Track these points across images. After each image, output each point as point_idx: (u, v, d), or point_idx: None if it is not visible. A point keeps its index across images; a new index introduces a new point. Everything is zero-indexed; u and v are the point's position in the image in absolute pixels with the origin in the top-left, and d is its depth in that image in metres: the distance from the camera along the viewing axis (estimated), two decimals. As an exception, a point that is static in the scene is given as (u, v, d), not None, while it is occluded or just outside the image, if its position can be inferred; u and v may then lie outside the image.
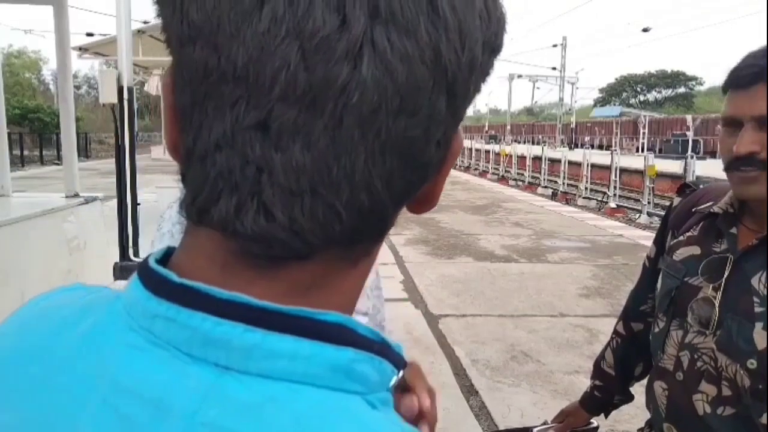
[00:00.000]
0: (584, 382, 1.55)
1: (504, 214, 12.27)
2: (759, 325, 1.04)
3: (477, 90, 0.33)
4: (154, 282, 0.32)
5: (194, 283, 0.30)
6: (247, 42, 0.27)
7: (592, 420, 1.52)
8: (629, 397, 1.48)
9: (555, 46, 45.44)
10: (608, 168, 17.63)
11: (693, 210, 1.23)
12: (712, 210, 1.17)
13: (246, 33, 0.27)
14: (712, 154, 32.51)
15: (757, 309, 1.05)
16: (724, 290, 1.10)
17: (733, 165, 1.05)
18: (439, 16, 0.28)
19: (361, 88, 0.27)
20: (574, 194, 17.18)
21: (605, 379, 1.46)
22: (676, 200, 1.31)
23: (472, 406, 3.69)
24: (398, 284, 6.45)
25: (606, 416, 1.53)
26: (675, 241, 1.24)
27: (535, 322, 5.18)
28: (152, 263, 0.33)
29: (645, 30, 45.31)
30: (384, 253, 7.83)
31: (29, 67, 50.31)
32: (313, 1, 0.27)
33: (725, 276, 1.10)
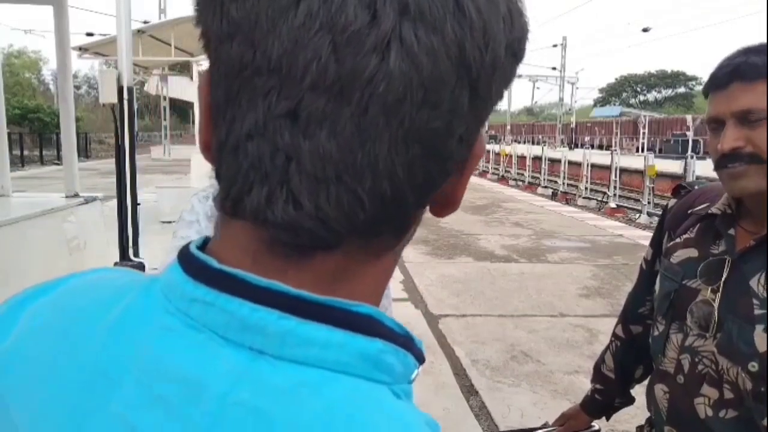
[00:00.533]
0: (584, 382, 1.55)
1: (504, 214, 12.27)
2: (759, 328, 1.04)
3: (499, 95, 0.34)
4: (194, 267, 0.33)
5: (233, 269, 0.32)
6: (283, 36, 0.29)
7: (593, 423, 1.52)
8: (630, 400, 1.48)
9: (555, 46, 45.42)
10: (608, 168, 17.63)
11: (689, 211, 1.23)
12: (709, 211, 1.17)
13: (282, 28, 0.29)
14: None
15: (757, 311, 1.04)
16: (723, 292, 1.10)
17: (720, 163, 1.07)
18: (465, 15, 0.30)
19: (388, 79, 0.29)
20: (574, 194, 17.18)
21: (605, 382, 1.46)
22: (672, 202, 1.32)
23: (472, 406, 3.69)
24: (398, 284, 6.44)
25: (607, 419, 1.52)
26: (672, 243, 1.24)
27: (535, 322, 5.18)
28: (193, 249, 0.34)
29: (645, 30, 45.29)
30: (384, 253, 7.83)
31: (29, 67, 50.29)
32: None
33: (723, 278, 1.10)
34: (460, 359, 4.40)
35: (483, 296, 6.06)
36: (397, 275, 6.82)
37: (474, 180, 21.99)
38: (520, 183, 22.01)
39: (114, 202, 4.25)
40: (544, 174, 20.99)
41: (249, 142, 0.31)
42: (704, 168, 14.58)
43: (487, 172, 27.25)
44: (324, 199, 0.30)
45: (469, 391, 3.90)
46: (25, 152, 28.43)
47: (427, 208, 0.37)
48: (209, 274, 0.32)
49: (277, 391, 0.30)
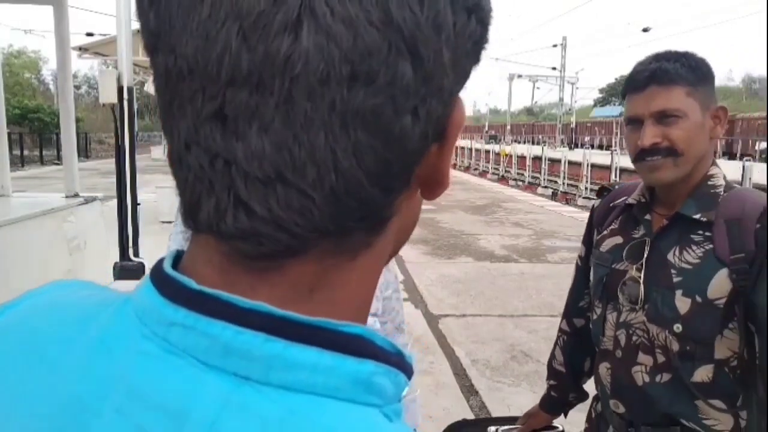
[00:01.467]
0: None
1: (504, 214, 12.28)
2: (679, 293, 1.20)
3: (464, 55, 0.31)
4: (170, 288, 0.31)
5: (215, 291, 0.29)
6: (194, 33, 0.27)
7: (556, 424, 1.60)
8: (583, 395, 1.58)
9: (555, 46, 45.42)
10: (608, 168, 17.63)
11: (611, 206, 1.41)
12: (627, 202, 1.35)
13: (192, 25, 0.27)
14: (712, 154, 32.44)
15: (675, 279, 1.21)
16: (646, 269, 1.26)
17: (639, 157, 1.23)
18: None
19: (305, 59, 0.26)
20: (574, 194, 17.17)
21: (558, 377, 1.58)
22: (597, 202, 1.48)
23: (472, 406, 3.69)
24: (398, 284, 6.44)
25: (565, 416, 1.61)
26: (600, 236, 1.40)
27: (535, 322, 5.18)
28: (168, 269, 0.32)
29: (645, 30, 45.28)
30: (384, 253, 7.83)
31: (29, 67, 50.27)
32: None
33: (645, 256, 1.27)
34: (460, 359, 4.40)
35: (483, 296, 6.06)
36: (397, 275, 6.81)
37: (474, 180, 22.00)
38: (520, 183, 22.01)
39: (114, 202, 4.26)
40: (544, 174, 21.00)
41: (188, 152, 0.29)
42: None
43: (487, 172, 27.24)
44: (274, 201, 0.28)
45: (469, 391, 3.90)
46: (25, 152, 28.43)
47: (418, 192, 0.34)
48: (187, 296, 0.30)
49: (265, 420, 0.28)
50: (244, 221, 0.28)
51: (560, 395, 1.58)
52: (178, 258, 0.34)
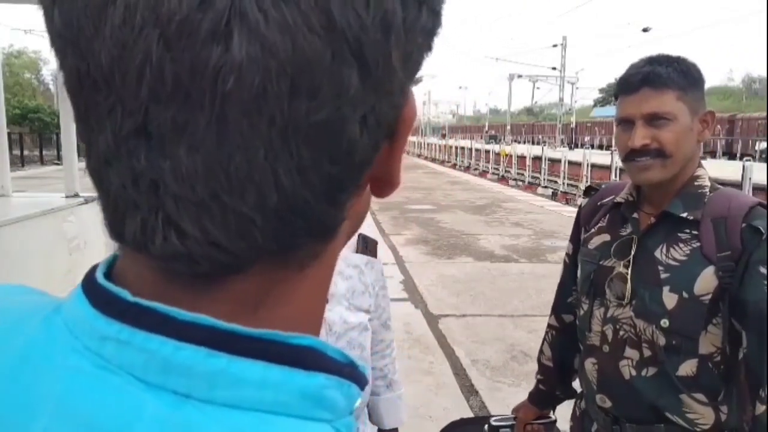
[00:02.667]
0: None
1: (504, 214, 12.27)
2: (666, 289, 1.24)
3: (415, 50, 0.28)
4: (103, 300, 0.28)
5: (152, 303, 0.27)
6: (107, 40, 0.24)
7: (550, 414, 1.63)
8: (571, 392, 1.61)
9: (555, 46, 45.42)
10: (608, 168, 17.64)
11: (599, 204, 1.45)
12: (615, 201, 1.39)
13: (104, 30, 0.24)
14: (712, 154, 32.50)
15: (663, 275, 1.25)
16: (633, 266, 1.30)
17: (629, 157, 1.26)
18: None
19: (237, 72, 0.23)
20: (574, 194, 17.17)
21: (545, 371, 1.61)
22: (584, 201, 1.52)
23: (472, 406, 3.69)
24: (398, 284, 6.44)
25: (553, 411, 1.64)
26: (588, 234, 1.44)
27: (535, 322, 5.18)
28: (100, 278, 0.29)
29: (645, 30, 45.30)
30: (384, 253, 7.82)
31: (29, 67, 50.28)
32: None
33: (632, 254, 1.30)
34: (460, 359, 4.40)
35: (483, 296, 6.06)
36: (397, 275, 6.81)
37: (474, 180, 22.01)
38: (520, 183, 22.01)
39: (114, 202, 4.25)
40: (544, 174, 21.00)
41: (108, 168, 0.26)
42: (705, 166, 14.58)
43: (487, 172, 27.25)
44: (208, 221, 0.26)
45: (469, 391, 3.90)
46: (25, 152, 28.43)
47: (367, 190, 0.32)
48: (122, 308, 0.27)
49: None
50: (175, 243, 0.26)
51: (548, 389, 1.61)
52: (113, 264, 0.31)
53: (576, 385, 1.57)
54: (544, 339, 1.63)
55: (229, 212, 0.26)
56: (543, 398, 1.63)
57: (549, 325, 1.62)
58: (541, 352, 1.63)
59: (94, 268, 0.31)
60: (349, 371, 0.30)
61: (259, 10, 0.23)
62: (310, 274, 0.30)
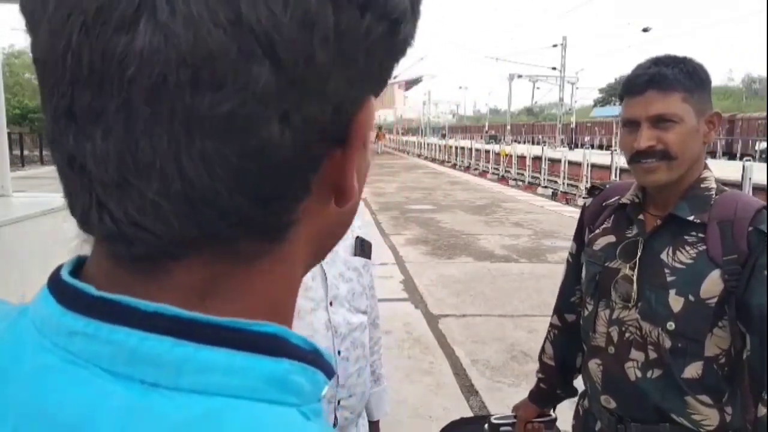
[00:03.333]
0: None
1: (504, 214, 12.27)
2: (672, 292, 1.24)
3: (362, 55, 0.28)
4: (68, 296, 0.29)
5: (115, 295, 0.28)
6: (43, 27, 0.26)
7: (550, 413, 1.64)
8: (572, 392, 1.61)
9: (555, 46, 45.41)
10: (608, 168, 17.64)
11: (604, 205, 1.44)
12: (621, 202, 1.38)
13: (42, 18, 0.26)
14: (712, 154, 32.50)
15: (669, 278, 1.25)
16: (639, 268, 1.29)
17: (634, 158, 1.26)
18: None
19: (138, 61, 0.24)
20: (574, 194, 17.17)
21: (547, 370, 1.61)
22: (588, 200, 1.51)
23: (472, 406, 3.69)
24: (398, 284, 6.44)
25: (553, 410, 1.65)
26: (592, 234, 1.43)
27: (535, 322, 5.18)
28: (65, 275, 0.30)
29: (645, 30, 45.31)
30: (384, 253, 7.83)
31: (29, 67, 50.26)
32: None
33: (638, 256, 1.30)
34: (460, 359, 4.40)
35: (483, 296, 6.06)
36: (397, 275, 6.82)
37: (474, 180, 22.00)
38: (520, 183, 22.02)
39: (114, 202, 4.25)
40: (544, 174, 21.01)
41: (52, 151, 0.28)
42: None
43: (487, 172, 27.26)
44: (129, 204, 0.27)
45: (469, 391, 3.90)
46: (25, 152, 28.42)
47: (330, 200, 0.32)
48: (87, 303, 0.28)
49: (176, 427, 0.26)
50: (108, 222, 0.27)
51: (548, 388, 1.62)
52: (80, 264, 0.32)
53: (577, 383, 1.58)
54: (546, 338, 1.63)
55: (139, 197, 0.27)
56: (544, 397, 1.63)
57: (551, 324, 1.62)
58: (542, 350, 1.63)
59: (59, 268, 0.31)
60: (313, 358, 0.31)
61: (167, 2, 0.24)
62: (264, 271, 0.31)
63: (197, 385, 0.27)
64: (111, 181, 0.26)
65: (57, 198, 4.26)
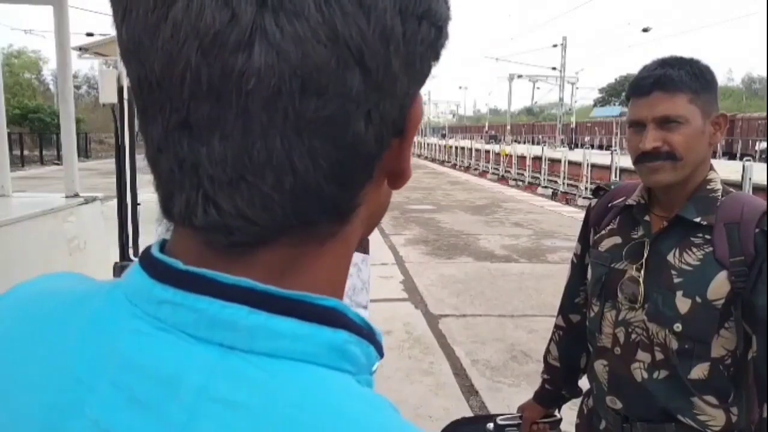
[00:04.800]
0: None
1: (504, 214, 12.27)
2: (679, 293, 1.24)
3: (418, 59, 0.33)
4: (159, 270, 0.33)
5: (199, 269, 0.32)
6: (159, 51, 0.30)
7: (555, 413, 1.64)
8: (577, 392, 1.62)
9: (555, 46, 45.42)
10: (608, 168, 17.65)
11: (609, 206, 1.44)
12: (627, 203, 1.38)
13: (157, 43, 0.29)
14: (712, 154, 32.48)
15: (676, 280, 1.25)
16: (646, 269, 1.30)
17: (640, 159, 1.26)
18: None
19: (257, 75, 0.29)
20: (574, 194, 17.17)
21: (552, 371, 1.62)
22: (593, 201, 1.51)
23: (472, 406, 3.69)
24: (398, 284, 6.44)
25: (558, 410, 1.66)
26: (598, 235, 1.43)
27: (535, 322, 5.18)
28: (156, 252, 0.35)
29: (645, 30, 45.30)
30: (384, 253, 7.83)
31: (29, 67, 50.24)
32: (203, 2, 0.28)
33: (645, 257, 1.30)
34: (460, 359, 4.40)
35: (483, 296, 6.06)
36: (397, 275, 6.81)
37: (474, 180, 21.99)
38: (520, 183, 22.01)
39: (114, 202, 4.25)
40: (544, 174, 21.01)
41: (160, 155, 0.32)
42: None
43: (487, 172, 27.25)
44: (239, 199, 0.31)
45: (469, 391, 3.90)
46: (25, 152, 28.44)
47: (384, 183, 0.37)
48: (175, 276, 0.33)
49: (251, 383, 0.30)
50: (214, 215, 0.31)
51: (554, 388, 1.62)
52: (163, 245, 0.37)
53: (582, 383, 1.58)
54: (551, 339, 1.63)
55: (253, 190, 0.31)
56: (549, 397, 1.63)
57: (556, 326, 1.63)
58: (548, 351, 1.64)
59: (148, 248, 0.36)
60: (367, 333, 0.35)
61: (276, 25, 0.28)
62: (330, 250, 0.35)
63: (268, 348, 0.31)
64: (226, 178, 0.31)
65: (57, 198, 4.26)
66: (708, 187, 1.28)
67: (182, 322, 0.32)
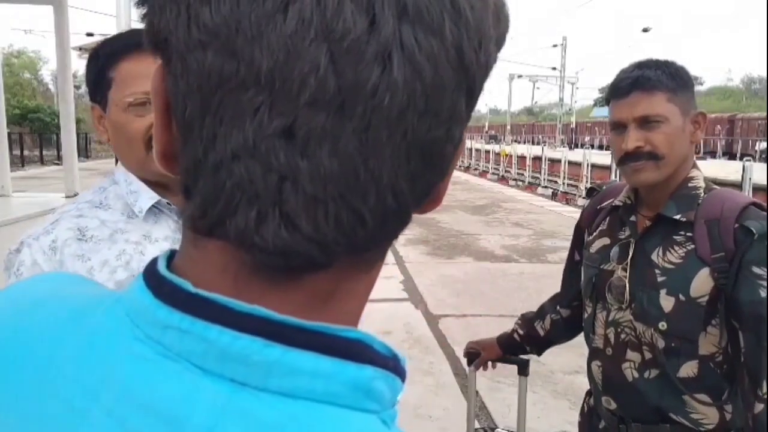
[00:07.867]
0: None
1: (504, 214, 12.27)
2: (663, 292, 1.26)
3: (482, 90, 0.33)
4: (165, 290, 0.30)
5: (211, 294, 0.29)
6: (272, 45, 0.26)
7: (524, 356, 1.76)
8: (539, 353, 1.78)
9: (555, 46, 45.44)
10: (608, 168, 17.64)
11: (598, 208, 1.48)
12: (613, 204, 1.41)
13: (270, 36, 0.26)
14: (712, 154, 32.51)
15: (660, 278, 1.27)
16: (631, 269, 1.31)
17: (623, 160, 1.28)
18: (461, 15, 0.28)
19: (392, 91, 0.27)
20: (574, 194, 17.17)
21: (531, 334, 1.71)
22: (586, 203, 1.54)
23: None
24: (398, 284, 6.44)
25: (514, 355, 1.79)
26: (590, 237, 1.47)
27: (535, 322, 5.18)
28: (162, 269, 0.31)
29: (645, 30, 45.31)
30: (384, 253, 7.82)
31: (29, 67, 50.26)
32: (342, 1, 0.26)
33: (630, 257, 1.32)
34: (460, 359, 4.39)
35: (483, 296, 6.06)
36: (397, 275, 6.81)
37: (474, 180, 22.00)
38: (520, 183, 22.01)
39: (114, 202, 4.24)
40: (544, 174, 21.01)
41: (235, 162, 0.27)
42: (705, 168, 14.56)
43: (487, 172, 27.25)
44: (323, 218, 0.28)
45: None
46: (25, 152, 28.42)
47: None
48: (183, 298, 0.29)
49: (264, 427, 0.27)
50: (284, 237, 0.28)
51: (523, 344, 1.74)
52: (170, 258, 0.33)
53: (582, 383, 1.60)
54: (549, 314, 1.69)
55: (346, 211, 0.28)
56: (511, 347, 1.75)
57: (558, 312, 1.69)
58: (539, 317, 1.71)
59: (154, 261, 0.32)
60: (393, 364, 0.31)
61: (414, 39, 0.27)
62: (368, 277, 0.33)
63: (284, 387, 0.28)
64: (322, 196, 0.27)
65: (57, 198, 4.25)
66: (690, 185, 1.29)
67: (189, 352, 0.29)
